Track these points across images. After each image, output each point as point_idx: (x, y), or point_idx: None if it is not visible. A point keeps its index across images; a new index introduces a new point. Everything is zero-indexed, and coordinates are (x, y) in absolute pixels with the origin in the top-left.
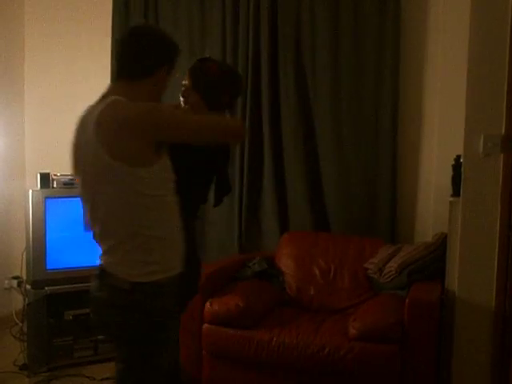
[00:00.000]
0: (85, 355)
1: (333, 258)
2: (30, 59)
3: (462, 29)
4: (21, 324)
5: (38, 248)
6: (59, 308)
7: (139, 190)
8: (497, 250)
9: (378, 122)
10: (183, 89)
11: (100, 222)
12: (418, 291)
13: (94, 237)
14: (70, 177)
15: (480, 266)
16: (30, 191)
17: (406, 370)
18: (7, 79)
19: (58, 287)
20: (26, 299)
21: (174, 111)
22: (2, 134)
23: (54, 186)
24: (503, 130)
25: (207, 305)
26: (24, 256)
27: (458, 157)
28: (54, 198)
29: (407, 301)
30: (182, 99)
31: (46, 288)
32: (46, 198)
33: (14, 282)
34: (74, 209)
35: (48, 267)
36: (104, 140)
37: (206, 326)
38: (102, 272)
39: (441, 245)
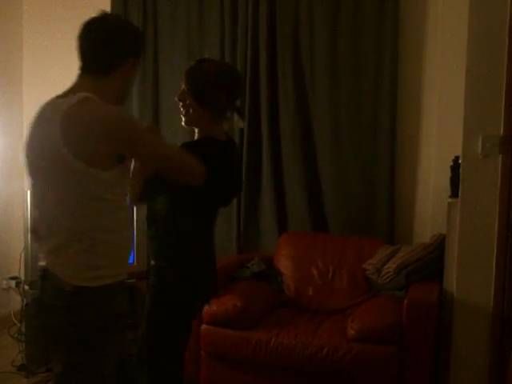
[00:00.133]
0: None
1: (331, 259)
2: (28, 59)
3: (461, 29)
4: (19, 324)
5: (36, 248)
6: None
7: (95, 192)
8: (495, 250)
9: (377, 122)
10: (179, 92)
11: (47, 219)
12: (417, 292)
13: (40, 238)
14: None
15: (478, 267)
16: (29, 191)
17: (405, 371)
18: (6, 79)
19: None
20: (24, 299)
21: (146, 130)
22: (1, 134)
23: None
24: (502, 131)
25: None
26: (22, 256)
27: (457, 158)
28: None
29: (405, 302)
30: (180, 103)
31: None
32: None
33: (13, 283)
34: None
35: None
36: (68, 136)
37: (204, 326)
38: (45, 273)
39: (439, 246)
